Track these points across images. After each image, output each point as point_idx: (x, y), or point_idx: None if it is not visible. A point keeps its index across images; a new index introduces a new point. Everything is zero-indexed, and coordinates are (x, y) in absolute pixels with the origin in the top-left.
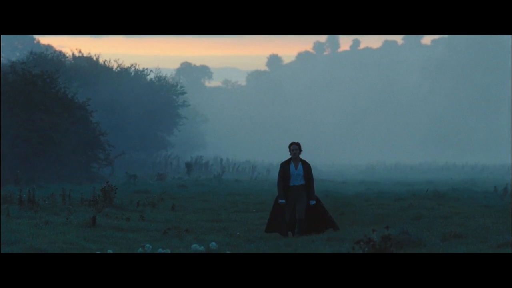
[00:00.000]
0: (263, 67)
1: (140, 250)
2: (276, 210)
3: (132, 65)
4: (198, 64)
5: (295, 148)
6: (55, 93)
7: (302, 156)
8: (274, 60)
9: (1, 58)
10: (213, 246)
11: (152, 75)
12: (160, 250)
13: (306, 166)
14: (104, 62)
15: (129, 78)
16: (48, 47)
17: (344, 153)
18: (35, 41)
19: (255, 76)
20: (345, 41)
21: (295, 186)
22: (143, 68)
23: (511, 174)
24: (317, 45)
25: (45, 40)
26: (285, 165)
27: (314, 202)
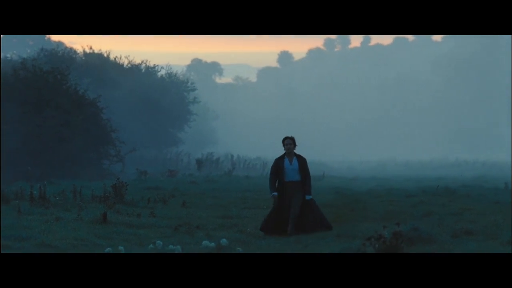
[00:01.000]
0: (274, 63)
1: (151, 247)
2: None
3: (142, 61)
4: (209, 60)
5: (289, 142)
6: (66, 89)
7: (308, 150)
8: (285, 56)
9: (13, 55)
10: (224, 243)
11: (163, 72)
12: (171, 247)
13: (301, 160)
14: (115, 59)
15: (140, 74)
16: (59, 43)
17: (355, 150)
18: (46, 38)
19: (266, 72)
20: (356, 38)
21: (291, 182)
22: (154, 64)
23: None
24: (327, 42)
25: (56, 36)
26: (279, 160)
27: (311, 197)
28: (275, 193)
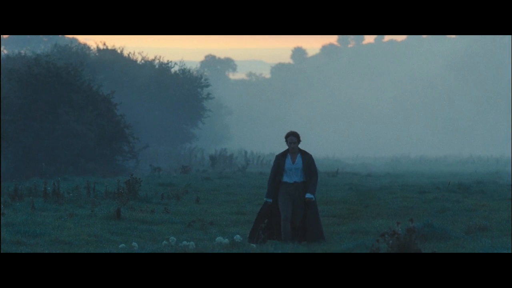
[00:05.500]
0: (287, 59)
1: (164, 243)
2: (261, 213)
3: (156, 57)
4: (222, 56)
5: (292, 140)
6: (79, 85)
7: (322, 146)
8: (298, 52)
9: (26, 51)
10: (238, 239)
11: (176, 68)
12: (184, 243)
13: (306, 158)
14: (128, 55)
15: (153, 70)
16: (73, 40)
17: (369, 146)
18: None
19: (279, 68)
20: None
21: (295, 183)
22: (168, 60)
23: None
24: (341, 38)
25: None
26: (280, 158)
27: (312, 196)
28: (269, 200)
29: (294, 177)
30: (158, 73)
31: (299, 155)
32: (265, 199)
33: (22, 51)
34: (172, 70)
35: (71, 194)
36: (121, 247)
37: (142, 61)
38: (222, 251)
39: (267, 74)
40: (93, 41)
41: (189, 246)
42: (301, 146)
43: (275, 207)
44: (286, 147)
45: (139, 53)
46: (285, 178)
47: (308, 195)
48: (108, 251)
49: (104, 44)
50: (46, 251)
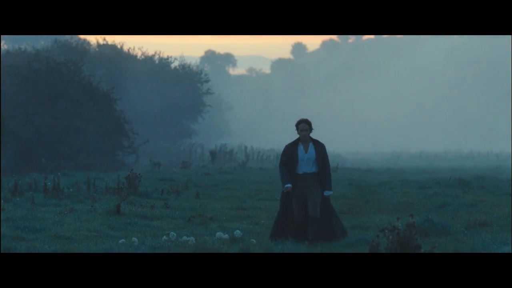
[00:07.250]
0: (287, 55)
1: (164, 238)
2: (283, 209)
3: (156, 52)
4: (222, 51)
5: (304, 128)
6: (79, 81)
7: (322, 141)
8: (298, 48)
9: (26, 46)
10: (238, 234)
11: (176, 63)
12: (184, 238)
13: (319, 147)
14: (128, 50)
15: (153, 66)
16: (73, 35)
17: (369, 141)
18: None
19: (279, 64)
20: None
21: (306, 174)
22: (167, 56)
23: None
24: None
25: None
26: (291, 148)
27: (331, 193)
28: (289, 185)
29: (306, 168)
30: (158, 68)
31: (311, 144)
32: (286, 186)
33: (22, 47)
34: (172, 65)
35: (71, 189)
36: (121, 242)
37: (142, 57)
38: (222, 246)
39: (267, 70)
40: (93, 37)
41: (189, 241)
42: None
43: (289, 204)
44: (286, 142)
45: (139, 48)
46: (298, 170)
47: (326, 192)
48: (108, 246)
49: (104, 39)
50: (46, 246)
